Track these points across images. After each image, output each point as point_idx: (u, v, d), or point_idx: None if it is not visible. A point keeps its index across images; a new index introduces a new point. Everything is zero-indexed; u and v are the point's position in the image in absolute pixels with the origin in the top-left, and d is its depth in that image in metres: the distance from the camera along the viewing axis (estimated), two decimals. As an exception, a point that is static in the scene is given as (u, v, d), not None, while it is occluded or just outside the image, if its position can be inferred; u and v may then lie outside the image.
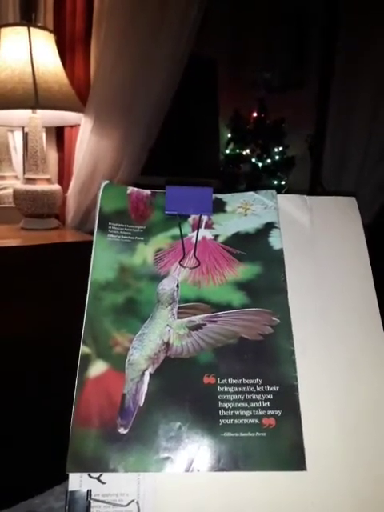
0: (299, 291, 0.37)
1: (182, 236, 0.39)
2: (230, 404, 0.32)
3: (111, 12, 1.13)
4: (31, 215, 1.15)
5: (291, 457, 0.31)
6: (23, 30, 1.05)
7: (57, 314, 1.00)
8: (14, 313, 0.96)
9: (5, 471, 0.88)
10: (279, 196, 0.41)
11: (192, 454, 0.31)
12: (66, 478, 0.31)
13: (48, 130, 1.33)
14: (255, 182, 2.30)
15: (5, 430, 0.91)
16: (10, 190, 1.20)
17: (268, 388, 0.33)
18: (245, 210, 0.40)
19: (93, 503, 0.30)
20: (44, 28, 1.12)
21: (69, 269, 1.01)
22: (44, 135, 1.28)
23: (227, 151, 2.44)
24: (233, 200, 0.41)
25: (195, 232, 0.39)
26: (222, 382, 0.33)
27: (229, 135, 2.44)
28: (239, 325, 0.35)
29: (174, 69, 1.21)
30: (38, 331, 0.98)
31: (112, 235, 0.39)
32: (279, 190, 2.22)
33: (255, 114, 2.36)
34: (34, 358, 0.96)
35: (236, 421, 0.32)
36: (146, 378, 0.33)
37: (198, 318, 0.35)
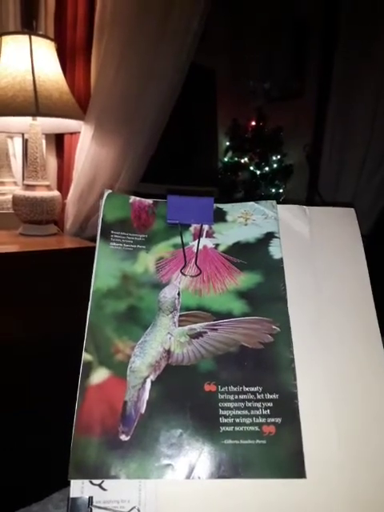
0: (299, 300, 0.37)
1: (183, 245, 0.40)
2: (230, 411, 0.33)
3: (113, 21, 1.14)
4: (30, 221, 1.16)
5: (291, 464, 0.31)
6: (24, 38, 1.06)
7: (56, 320, 1.00)
8: (13, 319, 0.96)
9: (3, 479, 0.87)
10: (279, 206, 0.42)
11: (193, 461, 0.31)
12: (65, 485, 0.31)
13: (48, 136, 1.34)
14: (253, 189, 2.31)
15: (3, 437, 0.91)
16: (9, 196, 1.21)
17: (268, 396, 0.33)
18: (245, 220, 0.41)
19: (94, 510, 0.30)
20: (45, 36, 1.13)
21: (67, 275, 1.01)
22: (44, 142, 1.29)
23: (225, 159, 2.45)
24: (233, 210, 0.42)
25: (196, 241, 0.40)
26: (223, 389, 0.33)
27: (227, 143, 2.46)
28: (240, 333, 0.35)
29: (174, 78, 1.22)
30: (37, 338, 0.98)
31: (114, 244, 0.39)
32: (277, 197, 2.24)
33: (253, 123, 2.38)
34: (34, 364, 0.96)
35: (236, 428, 0.32)
36: (148, 385, 0.33)
37: (198, 326, 0.36)
